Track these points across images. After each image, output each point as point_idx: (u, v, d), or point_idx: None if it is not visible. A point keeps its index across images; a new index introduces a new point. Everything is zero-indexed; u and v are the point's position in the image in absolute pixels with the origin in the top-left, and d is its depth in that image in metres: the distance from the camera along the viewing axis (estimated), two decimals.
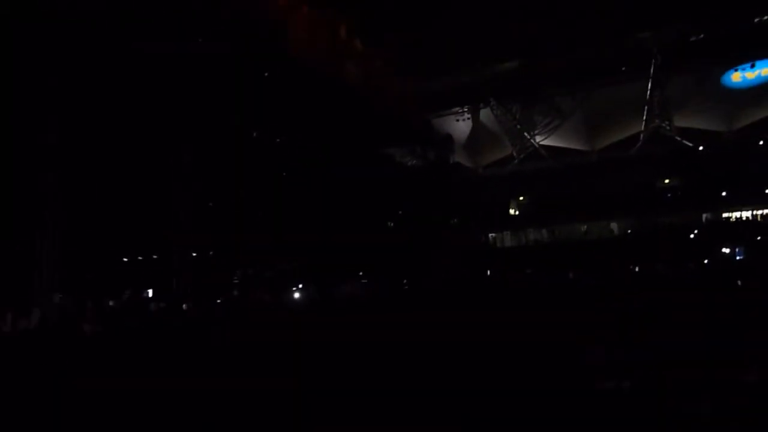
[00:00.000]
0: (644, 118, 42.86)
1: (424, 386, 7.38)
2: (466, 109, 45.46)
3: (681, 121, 42.54)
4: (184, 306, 19.67)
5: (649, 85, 40.41)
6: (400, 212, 34.08)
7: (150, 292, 21.48)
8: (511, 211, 47.60)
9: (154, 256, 22.95)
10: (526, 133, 46.35)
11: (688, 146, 42.67)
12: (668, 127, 42.82)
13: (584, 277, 28.81)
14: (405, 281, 28.59)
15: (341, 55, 22.28)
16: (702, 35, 36.05)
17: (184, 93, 16.71)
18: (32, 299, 13.52)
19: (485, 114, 46.04)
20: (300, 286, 27.00)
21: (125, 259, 22.42)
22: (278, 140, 23.33)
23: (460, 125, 45.98)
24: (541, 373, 7.97)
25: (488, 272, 35.54)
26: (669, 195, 41.31)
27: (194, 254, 22.89)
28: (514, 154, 47.99)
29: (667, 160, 42.14)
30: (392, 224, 34.05)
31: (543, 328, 11.22)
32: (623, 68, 39.47)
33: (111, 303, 20.17)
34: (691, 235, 36.79)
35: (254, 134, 22.23)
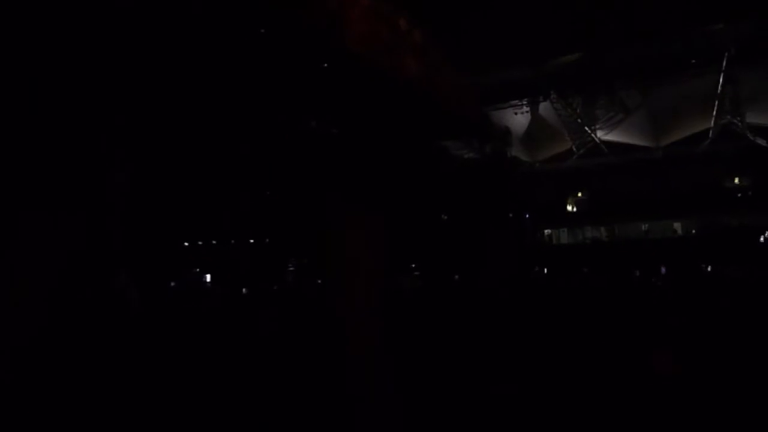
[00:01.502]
0: (714, 113, 40.92)
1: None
2: (524, 102, 44.58)
3: (754, 118, 40.39)
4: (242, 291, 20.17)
5: (721, 79, 38.52)
6: (456, 206, 33.81)
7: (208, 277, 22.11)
8: (569, 208, 46.53)
9: (213, 242, 23.57)
10: (586, 128, 45.05)
11: (761, 144, 40.54)
12: (740, 124, 40.77)
13: (646, 278, 27.96)
14: (457, 277, 28.44)
15: (399, 48, 22.12)
16: None
17: (244, 86, 16.98)
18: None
19: (545, 107, 45.01)
20: None
21: (185, 244, 23.13)
22: (334, 133, 23.47)
23: (518, 118, 45.10)
24: (605, 380, 7.77)
25: (544, 270, 34.96)
26: (738, 195, 39.41)
27: (251, 241, 23.38)
28: (574, 148, 46.77)
29: (737, 158, 40.19)
30: (447, 217, 33.84)
31: (603, 333, 10.93)
32: (693, 61, 37.78)
33: (172, 284, 20.90)
34: (762, 238, 35.12)
35: (311, 126, 22.43)
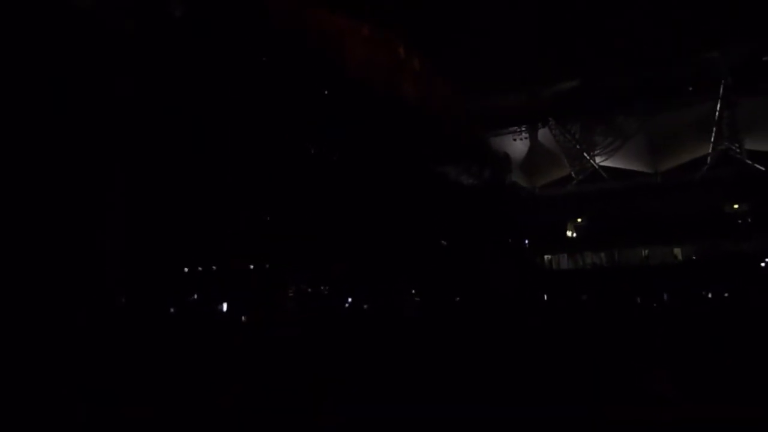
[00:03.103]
0: (712, 139, 41.16)
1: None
2: (523, 129, 44.97)
3: (752, 144, 40.61)
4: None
5: (718, 105, 38.87)
6: (455, 232, 33.82)
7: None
8: (569, 233, 46.49)
9: (212, 266, 23.49)
10: (585, 154, 45.31)
11: (760, 170, 40.65)
12: (738, 150, 40.99)
13: (645, 304, 27.87)
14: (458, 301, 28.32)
15: (399, 75, 22.46)
16: None
17: (244, 109, 17.20)
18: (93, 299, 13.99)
19: (543, 133, 45.35)
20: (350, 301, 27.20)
21: (183, 268, 23.05)
22: (335, 158, 23.65)
23: (517, 144, 45.46)
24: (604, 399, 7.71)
25: (544, 296, 34.85)
26: (738, 221, 39.37)
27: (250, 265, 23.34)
28: (573, 174, 46.97)
29: (736, 183, 40.26)
30: (446, 243, 33.81)
31: (605, 354, 10.88)
32: (690, 88, 38.20)
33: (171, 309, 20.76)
34: (762, 264, 35.01)
35: (311, 151, 22.61)
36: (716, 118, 39.77)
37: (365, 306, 26.92)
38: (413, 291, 30.14)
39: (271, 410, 7.22)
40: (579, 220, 45.98)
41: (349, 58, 18.37)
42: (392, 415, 6.81)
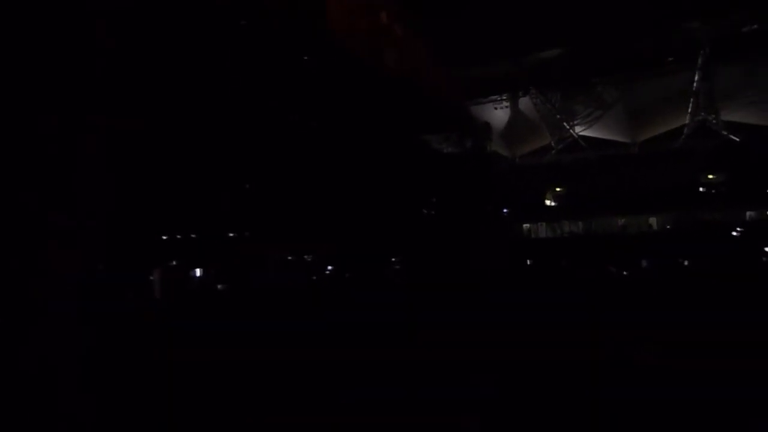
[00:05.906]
0: (689, 110, 41.55)
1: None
2: (504, 98, 44.84)
3: (729, 115, 41.10)
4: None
5: (696, 76, 39.11)
6: (435, 200, 33.87)
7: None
8: (547, 202, 46.93)
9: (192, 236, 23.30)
10: (565, 123, 45.50)
11: (735, 141, 41.24)
12: (715, 121, 41.46)
13: (620, 272, 28.35)
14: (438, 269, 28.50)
15: (380, 41, 22.11)
16: (755, 26, 34.66)
17: (224, 76, 16.83)
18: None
19: (524, 103, 45.32)
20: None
21: (163, 237, 22.82)
22: (315, 125, 23.36)
23: (498, 113, 45.36)
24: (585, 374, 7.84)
25: (522, 264, 35.28)
26: (713, 191, 40.04)
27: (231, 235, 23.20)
28: (552, 144, 47.22)
29: (712, 154, 40.82)
30: (426, 212, 33.88)
31: (581, 327, 11.06)
32: (669, 59, 38.32)
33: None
34: (734, 233, 35.77)
35: (292, 118, 22.28)
36: (694, 89, 40.06)
37: (347, 275, 27.04)
38: (394, 260, 30.32)
39: (267, 393, 7.20)
40: (558, 189, 46.39)
41: (330, 23, 18.00)
42: (389, 397, 6.83)
